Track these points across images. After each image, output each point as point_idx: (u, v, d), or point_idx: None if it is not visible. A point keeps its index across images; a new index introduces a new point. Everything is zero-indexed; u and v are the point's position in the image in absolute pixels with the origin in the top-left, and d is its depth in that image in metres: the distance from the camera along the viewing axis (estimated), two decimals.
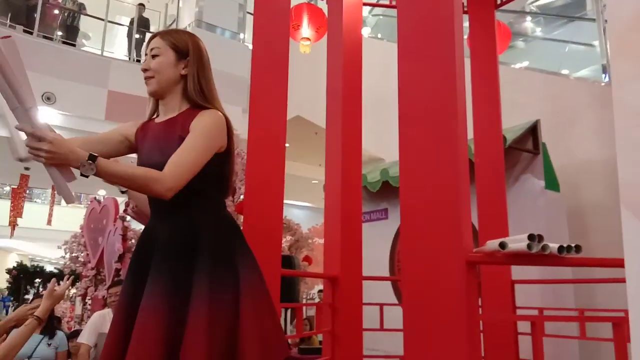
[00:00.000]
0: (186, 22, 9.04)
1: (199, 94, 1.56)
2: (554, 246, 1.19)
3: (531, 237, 1.16)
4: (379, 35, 7.78)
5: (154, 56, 1.56)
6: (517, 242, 1.20)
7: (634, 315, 0.98)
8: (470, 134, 1.96)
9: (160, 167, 1.39)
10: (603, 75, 4.42)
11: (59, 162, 1.25)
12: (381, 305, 3.01)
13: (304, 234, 7.17)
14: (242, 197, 5.45)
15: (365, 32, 7.51)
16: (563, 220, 3.54)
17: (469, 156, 1.83)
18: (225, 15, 8.66)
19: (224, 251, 1.46)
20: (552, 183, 3.56)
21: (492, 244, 1.28)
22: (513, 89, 4.11)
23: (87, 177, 1.27)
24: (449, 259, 1.22)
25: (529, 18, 7.18)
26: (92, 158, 1.25)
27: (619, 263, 1.32)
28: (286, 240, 6.58)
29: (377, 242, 4.27)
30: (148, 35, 9.95)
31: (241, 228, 1.68)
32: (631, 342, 0.94)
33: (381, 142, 5.77)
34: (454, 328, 1.18)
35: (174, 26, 9.43)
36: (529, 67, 5.70)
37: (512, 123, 3.59)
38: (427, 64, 1.38)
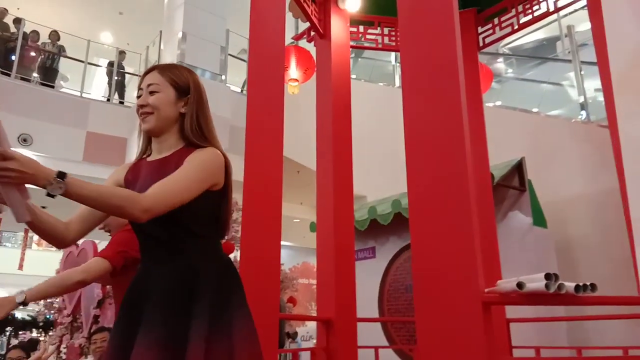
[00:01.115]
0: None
1: (198, 133, 1.50)
2: (569, 285, 1.18)
3: (548, 276, 1.15)
4: (358, 76, 7.92)
5: (152, 92, 1.48)
6: (532, 281, 1.18)
7: None
8: None
9: None
10: (582, 113, 4.55)
11: (26, 181, 1.11)
12: (376, 348, 2.94)
13: (287, 274, 7.06)
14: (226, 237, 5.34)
15: None
16: (552, 256, 3.56)
17: None
18: (207, 58, 8.73)
19: (222, 297, 1.40)
20: (539, 219, 3.59)
21: (505, 284, 1.26)
22: (493, 127, 4.20)
23: (53, 197, 1.13)
24: (465, 300, 1.19)
25: (501, 59, 7.44)
26: (61, 175, 1.12)
27: (636, 301, 1.31)
28: None
29: (365, 281, 4.21)
30: (127, 77, 10.05)
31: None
32: None
33: (364, 180, 5.79)
34: None
35: None
36: (503, 105, 5.85)
37: (494, 161, 3.65)
38: (433, 105, 1.39)
